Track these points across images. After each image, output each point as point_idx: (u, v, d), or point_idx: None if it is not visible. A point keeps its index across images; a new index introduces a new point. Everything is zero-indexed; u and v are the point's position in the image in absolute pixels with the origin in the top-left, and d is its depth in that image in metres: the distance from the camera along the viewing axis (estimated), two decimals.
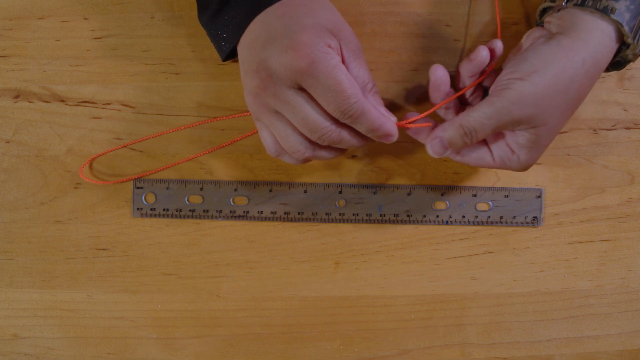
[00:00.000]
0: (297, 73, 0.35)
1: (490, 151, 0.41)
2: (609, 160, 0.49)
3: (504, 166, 0.41)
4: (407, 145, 0.48)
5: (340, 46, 0.37)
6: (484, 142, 0.42)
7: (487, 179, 0.49)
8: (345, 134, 0.39)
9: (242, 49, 0.39)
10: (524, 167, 0.41)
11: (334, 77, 0.35)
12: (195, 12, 0.47)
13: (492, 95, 0.39)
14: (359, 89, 0.37)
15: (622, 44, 0.40)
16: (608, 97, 0.48)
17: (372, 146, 0.48)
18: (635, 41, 0.39)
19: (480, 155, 0.41)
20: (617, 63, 0.42)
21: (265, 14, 0.37)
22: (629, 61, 0.41)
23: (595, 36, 0.38)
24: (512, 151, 0.40)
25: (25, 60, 0.48)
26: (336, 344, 0.50)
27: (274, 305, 0.49)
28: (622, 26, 0.38)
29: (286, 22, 0.36)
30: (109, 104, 0.48)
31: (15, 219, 0.49)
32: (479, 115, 0.38)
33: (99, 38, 0.48)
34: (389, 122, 0.39)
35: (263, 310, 0.49)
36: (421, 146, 0.49)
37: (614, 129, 0.49)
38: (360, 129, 0.38)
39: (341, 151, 0.41)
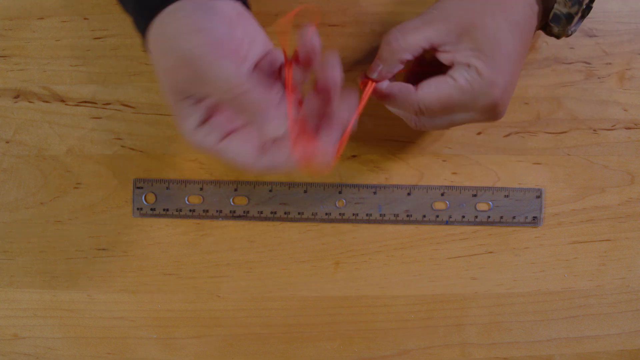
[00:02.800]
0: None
1: (450, 76, 0.38)
2: (609, 160, 0.49)
3: (469, 87, 0.37)
4: (407, 145, 0.48)
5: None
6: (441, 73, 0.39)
7: (487, 179, 0.49)
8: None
9: None
10: (490, 83, 0.37)
11: (223, 159, 0.36)
12: None
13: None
14: (250, 152, 0.35)
15: None
16: (608, 97, 0.48)
17: (372, 146, 0.48)
18: None
19: (439, 80, 0.38)
20: (555, 17, 0.40)
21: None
22: (568, 15, 0.40)
23: None
24: (467, 64, 0.38)
25: (25, 60, 0.48)
26: (336, 344, 0.50)
27: (274, 305, 0.49)
28: None
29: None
30: (109, 104, 0.48)
31: (15, 219, 0.49)
32: (402, 24, 0.39)
33: (99, 38, 0.48)
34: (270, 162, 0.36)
35: (263, 310, 0.49)
36: (421, 146, 0.49)
37: (614, 129, 0.49)
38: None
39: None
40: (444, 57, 0.39)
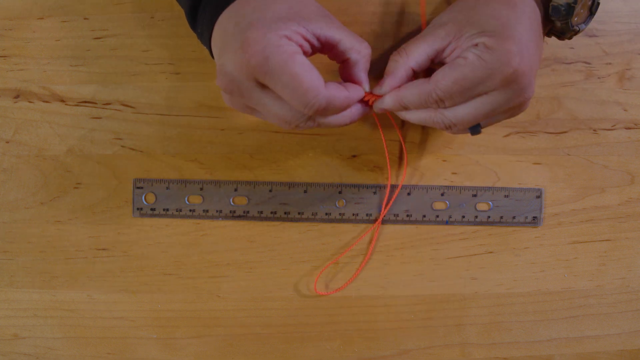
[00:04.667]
0: (252, 72, 0.34)
1: (461, 57, 0.36)
2: (609, 160, 0.49)
3: (480, 60, 0.35)
4: (407, 145, 0.48)
5: (308, 26, 0.36)
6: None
7: (487, 179, 0.49)
8: (322, 120, 0.37)
9: (214, 48, 0.39)
10: (502, 57, 0.35)
11: (288, 72, 0.34)
12: None
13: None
14: (319, 78, 0.35)
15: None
16: (608, 97, 0.48)
17: (372, 146, 0.48)
18: None
19: (450, 66, 0.36)
20: (555, 9, 0.40)
21: (222, 16, 0.37)
22: (565, 6, 0.39)
23: None
24: (475, 45, 0.36)
25: (25, 60, 0.48)
26: (336, 344, 0.50)
27: (274, 305, 0.49)
28: None
29: (237, 20, 0.36)
30: (109, 104, 0.48)
31: (15, 219, 0.49)
32: (411, 40, 0.40)
33: (99, 38, 0.48)
34: (357, 98, 0.38)
35: (263, 310, 0.49)
36: (421, 146, 0.49)
37: (614, 129, 0.49)
38: (332, 114, 0.37)
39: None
40: (452, 57, 0.38)
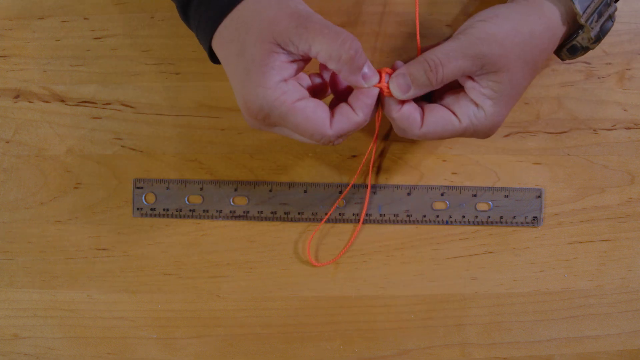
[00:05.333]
0: (263, 122, 0.37)
1: (454, 113, 0.38)
2: (609, 160, 0.49)
3: (470, 127, 0.38)
4: (407, 145, 0.48)
5: (287, 45, 0.35)
6: (446, 106, 0.39)
7: (487, 179, 0.49)
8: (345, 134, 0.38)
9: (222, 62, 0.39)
10: (491, 125, 0.38)
11: (291, 122, 0.35)
12: None
13: (457, 34, 0.38)
14: (323, 119, 0.36)
15: (579, 28, 0.40)
16: (608, 97, 0.48)
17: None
18: (589, 23, 0.39)
19: (444, 118, 0.38)
20: (574, 48, 0.41)
21: (218, 36, 0.37)
22: (585, 47, 0.41)
23: (547, 5, 0.39)
24: (476, 104, 0.38)
25: (25, 60, 0.48)
26: (336, 344, 0.50)
27: (274, 305, 0.49)
28: (573, 4, 0.38)
29: (231, 68, 0.37)
30: (109, 104, 0.48)
31: (15, 219, 0.49)
32: (445, 49, 0.37)
33: (99, 38, 0.48)
34: (364, 118, 0.37)
35: (263, 310, 0.49)
36: (421, 146, 0.49)
37: (614, 129, 0.49)
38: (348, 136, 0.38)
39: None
40: (464, 81, 0.38)
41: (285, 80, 0.35)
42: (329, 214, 0.48)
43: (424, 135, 0.38)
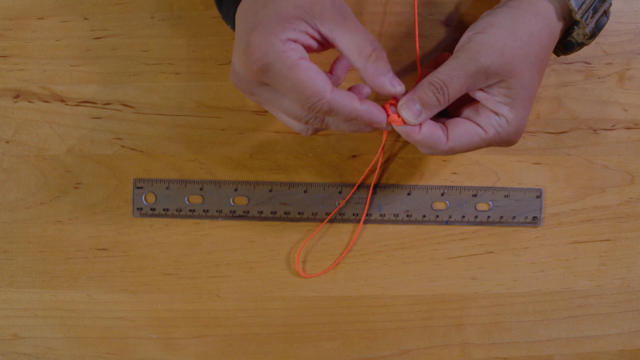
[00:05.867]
0: (256, 75, 0.35)
1: (478, 124, 0.39)
2: (609, 160, 0.49)
3: (496, 136, 0.39)
4: (407, 145, 0.48)
5: (316, 24, 0.35)
6: (468, 119, 0.40)
7: (487, 179, 0.49)
8: (330, 120, 0.37)
9: None
10: (515, 130, 0.39)
11: (290, 78, 0.34)
12: (195, 12, 0.47)
13: (455, 52, 0.39)
14: (324, 83, 0.35)
15: (574, 24, 0.40)
16: (608, 97, 0.48)
17: (372, 146, 0.48)
18: (584, 19, 0.39)
19: (469, 131, 0.39)
20: (570, 44, 0.41)
21: (241, 5, 0.37)
22: (580, 43, 0.41)
23: (540, 3, 0.39)
24: (496, 113, 0.39)
25: (25, 60, 0.48)
26: (336, 344, 0.50)
27: (274, 305, 0.49)
28: (568, 0, 0.38)
29: (246, 18, 0.36)
30: (109, 104, 0.48)
31: (15, 219, 0.49)
32: (446, 69, 0.38)
33: (99, 38, 0.48)
34: (370, 113, 0.36)
35: (263, 310, 0.49)
36: None
37: (614, 129, 0.49)
38: (338, 120, 0.37)
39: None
40: (475, 94, 0.39)
41: (296, 42, 0.35)
42: (325, 221, 0.48)
43: (451, 149, 0.39)
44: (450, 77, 0.37)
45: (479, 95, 0.39)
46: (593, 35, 0.40)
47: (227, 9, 0.40)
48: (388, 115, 0.38)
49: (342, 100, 0.35)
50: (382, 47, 0.36)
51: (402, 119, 0.38)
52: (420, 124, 0.38)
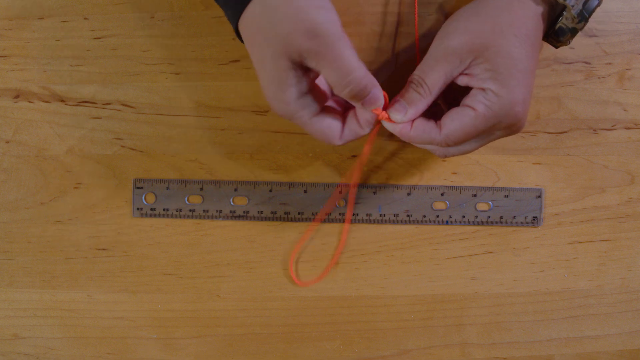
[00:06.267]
0: (288, 116, 0.39)
1: (467, 105, 0.39)
2: (609, 160, 0.49)
3: (489, 112, 0.38)
4: (407, 145, 0.48)
5: (301, 59, 0.36)
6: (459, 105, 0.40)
7: (487, 179, 0.49)
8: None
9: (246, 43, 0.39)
10: (510, 103, 0.38)
11: (308, 131, 0.39)
12: (195, 12, 0.47)
13: None
14: (334, 133, 0.40)
15: (563, 9, 0.40)
16: (608, 97, 0.48)
17: (372, 146, 0.48)
18: (569, 1, 0.39)
19: (459, 113, 0.39)
20: (561, 30, 0.41)
21: (244, 19, 0.37)
22: (572, 29, 0.40)
23: None
24: (483, 89, 0.38)
25: (25, 60, 0.48)
26: (336, 344, 0.50)
27: (274, 305, 0.49)
28: None
29: (258, 56, 0.37)
30: (109, 104, 0.48)
31: (15, 219, 0.49)
32: (421, 63, 0.39)
33: (99, 38, 0.48)
34: (367, 131, 0.40)
35: (263, 310, 0.49)
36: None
37: (614, 129, 0.49)
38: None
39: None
40: (460, 80, 0.39)
41: (304, 94, 0.37)
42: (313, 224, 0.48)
43: (446, 137, 0.39)
44: (424, 70, 0.39)
45: (464, 80, 0.39)
46: (583, 17, 0.40)
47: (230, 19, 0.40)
48: (386, 117, 0.40)
49: (351, 137, 0.40)
50: (359, 79, 0.36)
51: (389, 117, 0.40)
52: (413, 121, 0.40)
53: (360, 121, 0.39)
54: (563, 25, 0.40)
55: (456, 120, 0.38)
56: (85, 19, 0.47)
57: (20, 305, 0.49)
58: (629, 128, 0.49)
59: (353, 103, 0.38)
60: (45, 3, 0.47)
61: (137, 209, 0.49)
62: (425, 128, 0.39)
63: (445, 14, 0.47)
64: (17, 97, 0.48)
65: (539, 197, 0.49)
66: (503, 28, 0.38)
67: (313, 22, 0.35)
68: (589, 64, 0.48)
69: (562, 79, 0.48)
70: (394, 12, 0.47)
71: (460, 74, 0.39)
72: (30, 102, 0.48)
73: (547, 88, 0.48)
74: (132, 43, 0.48)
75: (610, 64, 0.48)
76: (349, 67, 0.36)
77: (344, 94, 0.37)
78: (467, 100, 0.39)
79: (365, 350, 0.50)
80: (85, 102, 0.48)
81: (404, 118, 0.39)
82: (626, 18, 0.48)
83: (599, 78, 0.48)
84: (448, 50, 0.38)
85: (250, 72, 0.48)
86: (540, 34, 0.40)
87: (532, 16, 0.39)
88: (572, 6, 0.39)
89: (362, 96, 0.37)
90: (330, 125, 0.39)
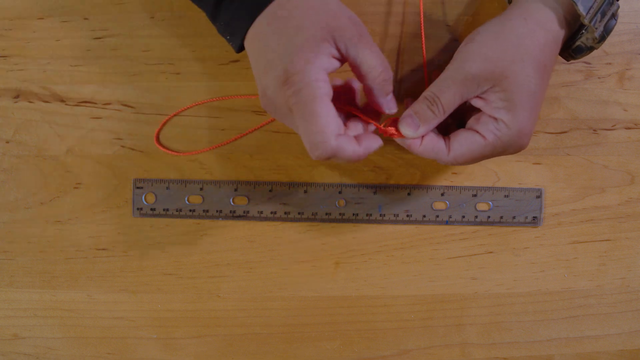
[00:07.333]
0: (287, 100, 0.36)
1: (477, 132, 0.39)
2: (609, 160, 0.49)
3: (497, 141, 0.39)
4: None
5: (339, 45, 0.37)
6: (470, 129, 0.40)
7: (487, 179, 0.49)
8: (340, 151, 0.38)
9: (249, 53, 0.39)
10: (517, 133, 0.38)
11: (310, 108, 0.35)
12: (195, 12, 0.47)
13: (450, 63, 0.40)
14: (335, 127, 0.36)
15: (582, 28, 0.40)
16: (608, 97, 0.48)
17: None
18: (593, 24, 0.39)
19: (469, 139, 0.39)
20: (579, 48, 0.41)
21: (260, 21, 0.37)
22: (590, 47, 0.41)
23: (534, 6, 0.39)
24: (495, 119, 0.38)
25: (25, 60, 0.48)
26: (336, 344, 0.50)
27: (274, 305, 0.49)
28: (576, 5, 0.38)
29: (281, 41, 0.36)
30: (109, 104, 0.48)
31: (15, 219, 0.49)
32: (437, 81, 0.39)
33: (99, 38, 0.48)
34: (368, 150, 0.38)
35: (263, 310, 0.49)
36: None
37: (614, 129, 0.49)
38: (341, 161, 0.38)
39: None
40: (474, 102, 0.39)
41: (327, 72, 0.36)
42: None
43: (454, 159, 0.40)
44: (441, 89, 0.39)
45: (477, 103, 0.39)
46: (602, 38, 0.40)
47: (235, 26, 0.39)
48: (392, 133, 0.40)
49: (345, 146, 0.36)
50: (389, 68, 0.38)
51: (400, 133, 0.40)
52: (423, 137, 0.40)
53: (362, 143, 0.38)
54: (582, 44, 0.41)
55: (464, 146, 0.39)
56: (85, 19, 0.47)
57: (20, 305, 0.49)
58: (629, 128, 0.49)
59: (378, 92, 0.38)
60: (45, 3, 0.47)
61: (137, 209, 0.49)
62: (434, 147, 0.40)
63: (449, 15, 0.47)
64: (17, 97, 0.48)
65: (539, 197, 0.49)
66: (524, 57, 0.38)
67: (351, 13, 0.37)
68: (589, 64, 0.48)
69: (562, 79, 0.48)
70: (394, 12, 0.47)
71: (476, 96, 0.39)
72: (30, 102, 0.48)
73: (547, 88, 0.48)
74: (132, 43, 0.48)
75: (610, 64, 0.48)
76: (377, 49, 0.38)
77: (379, 79, 0.38)
78: (478, 126, 0.39)
79: (365, 350, 0.50)
80: (85, 102, 0.48)
81: (415, 134, 0.40)
82: (626, 18, 0.48)
83: (599, 78, 0.48)
84: (468, 76, 0.38)
85: (250, 72, 0.48)
86: (556, 57, 0.40)
87: (552, 41, 0.39)
88: (596, 28, 0.39)
89: (390, 87, 0.38)
90: (336, 118, 0.37)
